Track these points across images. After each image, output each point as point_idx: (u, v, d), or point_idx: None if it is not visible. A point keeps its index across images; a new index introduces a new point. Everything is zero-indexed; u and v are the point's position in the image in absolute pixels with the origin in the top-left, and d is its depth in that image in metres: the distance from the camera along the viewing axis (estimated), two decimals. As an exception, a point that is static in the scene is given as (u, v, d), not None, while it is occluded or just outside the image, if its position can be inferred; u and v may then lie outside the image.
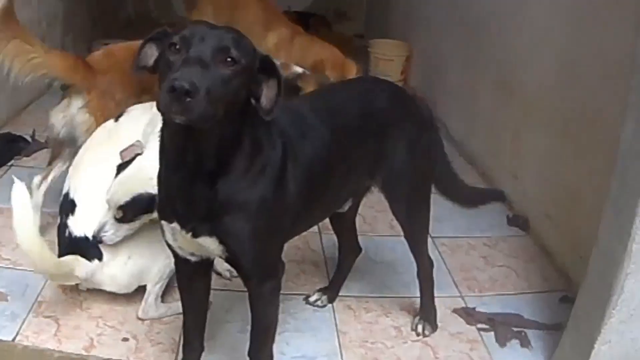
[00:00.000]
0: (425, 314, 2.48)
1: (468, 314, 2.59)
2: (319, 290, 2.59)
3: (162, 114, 1.55)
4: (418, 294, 2.49)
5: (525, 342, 2.47)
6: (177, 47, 1.55)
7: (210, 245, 1.79)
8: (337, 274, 2.61)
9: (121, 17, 6.32)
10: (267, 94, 1.66)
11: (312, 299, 2.57)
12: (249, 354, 1.98)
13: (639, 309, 2.08)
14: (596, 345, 2.11)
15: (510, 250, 3.08)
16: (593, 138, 2.56)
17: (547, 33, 3.16)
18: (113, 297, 2.44)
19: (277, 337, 2.11)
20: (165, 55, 1.57)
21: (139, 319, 2.40)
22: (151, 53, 1.68)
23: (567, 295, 2.62)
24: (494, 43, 3.70)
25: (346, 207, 2.31)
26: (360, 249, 2.60)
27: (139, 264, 2.37)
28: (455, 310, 2.60)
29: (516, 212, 3.37)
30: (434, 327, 2.47)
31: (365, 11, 6.82)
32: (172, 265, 2.04)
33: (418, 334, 2.46)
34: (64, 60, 2.57)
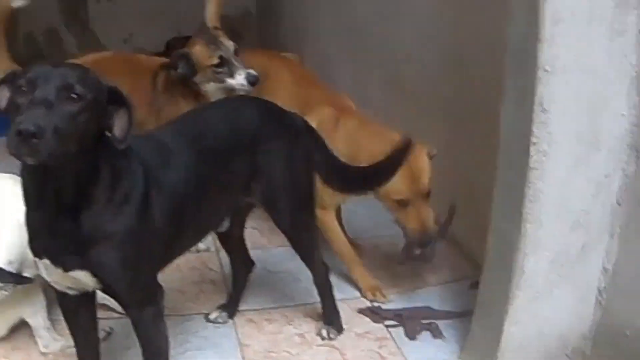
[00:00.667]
0: (329, 318, 2.51)
1: (374, 313, 2.61)
2: (218, 308, 2.60)
3: (14, 156, 1.55)
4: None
5: (436, 333, 2.50)
6: (24, 89, 1.58)
7: (82, 278, 1.80)
8: (234, 290, 2.63)
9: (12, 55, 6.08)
10: (119, 123, 1.70)
11: (212, 316, 2.58)
12: None
13: (546, 286, 2.13)
14: (505, 326, 2.16)
15: None
16: (484, 126, 2.59)
17: (431, 25, 3.23)
18: (14, 336, 2.40)
19: (179, 357, 2.22)
20: (14, 98, 1.59)
21: (43, 353, 2.36)
22: (4, 95, 1.66)
23: (477, 281, 2.61)
24: (381, 42, 3.74)
25: (225, 227, 2.32)
26: (252, 263, 2.63)
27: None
28: (360, 311, 2.62)
29: None
30: (339, 330, 2.49)
31: (257, 28, 6.82)
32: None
33: (323, 338, 2.47)
34: None
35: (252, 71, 2.80)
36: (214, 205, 2.14)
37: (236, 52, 2.88)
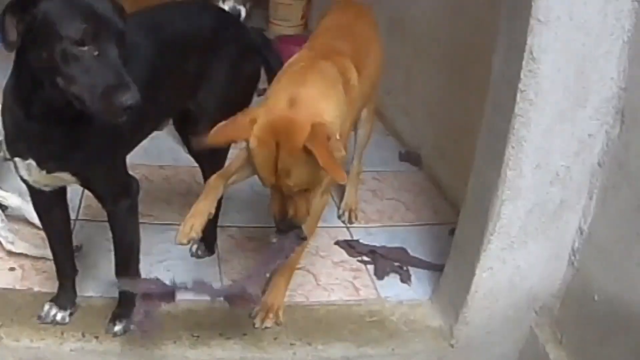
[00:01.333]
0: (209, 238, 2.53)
1: (350, 246, 2.68)
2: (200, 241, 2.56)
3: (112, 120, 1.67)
4: None
5: (405, 278, 2.56)
6: (83, 42, 1.61)
7: (64, 177, 1.89)
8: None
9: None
10: None
11: (193, 248, 2.58)
12: (116, 275, 2.09)
13: (521, 236, 2.17)
14: (477, 271, 2.21)
15: (400, 184, 3.19)
16: (479, 72, 2.61)
17: None
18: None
19: (158, 265, 2.30)
20: (66, 49, 1.61)
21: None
22: (11, 27, 1.64)
23: (456, 228, 2.70)
24: None
25: (163, 128, 2.40)
26: None
27: None
28: (337, 242, 2.69)
29: (409, 148, 3.46)
30: (211, 251, 2.56)
31: None
32: None
33: (192, 255, 2.54)
34: None
35: (238, 6, 2.85)
36: (167, 98, 2.18)
37: None
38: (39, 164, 1.86)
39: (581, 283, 2.25)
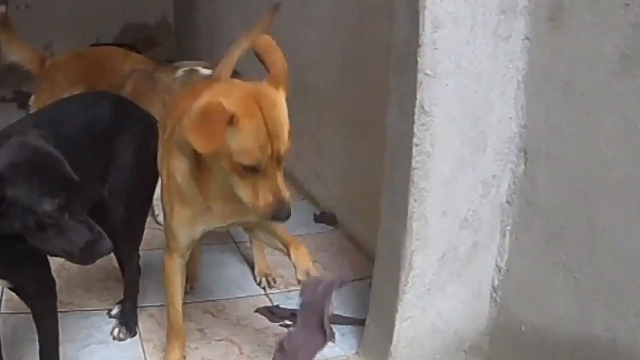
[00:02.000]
0: (124, 319, 2.54)
1: (271, 312, 2.66)
2: (117, 304, 2.62)
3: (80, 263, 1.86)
4: (222, 297, 2.65)
5: (329, 336, 2.53)
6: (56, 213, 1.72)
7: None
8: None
9: None
10: None
11: (113, 312, 2.61)
12: None
13: (436, 282, 2.19)
14: (396, 322, 2.21)
15: (317, 245, 3.18)
16: (381, 131, 2.69)
17: (331, 32, 3.32)
18: None
19: (82, 350, 2.30)
20: (41, 221, 1.71)
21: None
22: None
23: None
24: (288, 50, 3.78)
25: None
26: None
27: None
28: (258, 310, 2.67)
29: (323, 209, 3.50)
30: (132, 332, 2.52)
31: (174, 36, 6.90)
32: None
33: (114, 338, 2.49)
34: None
35: None
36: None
37: None
38: None
39: (507, 317, 2.27)
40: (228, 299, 2.76)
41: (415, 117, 1.96)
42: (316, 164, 3.62)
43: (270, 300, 2.77)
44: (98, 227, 1.78)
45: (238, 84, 1.97)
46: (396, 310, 2.19)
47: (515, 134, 2.14)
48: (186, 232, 2.11)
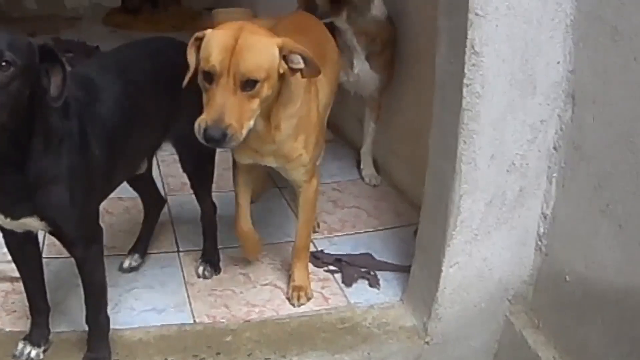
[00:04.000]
0: (207, 257, 2.60)
1: (316, 258, 2.67)
2: (128, 253, 2.63)
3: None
4: (267, 241, 2.63)
5: (373, 282, 2.57)
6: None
7: (32, 223, 1.86)
8: (145, 229, 2.69)
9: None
10: (54, 81, 1.71)
11: (125, 264, 2.61)
12: (87, 321, 2.09)
13: (483, 228, 2.18)
14: (443, 268, 2.21)
15: (360, 192, 3.20)
16: (426, 74, 2.65)
17: None
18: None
19: (126, 294, 2.31)
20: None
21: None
22: None
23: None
24: None
25: (144, 168, 2.38)
26: (164, 200, 2.72)
27: None
28: None
29: None
30: (217, 270, 2.59)
31: None
32: None
33: (199, 276, 2.56)
34: None
35: None
36: (140, 140, 2.19)
37: None
38: (1, 212, 1.85)
39: (551, 267, 2.26)
40: (273, 243, 2.78)
41: (466, 57, 1.94)
42: (358, 108, 3.56)
43: (315, 245, 2.77)
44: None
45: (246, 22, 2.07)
46: (443, 256, 2.19)
47: (562, 79, 2.11)
48: (238, 157, 2.36)
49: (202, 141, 1.92)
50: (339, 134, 3.78)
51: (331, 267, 2.65)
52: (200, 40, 1.99)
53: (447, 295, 2.26)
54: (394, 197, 3.20)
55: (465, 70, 1.96)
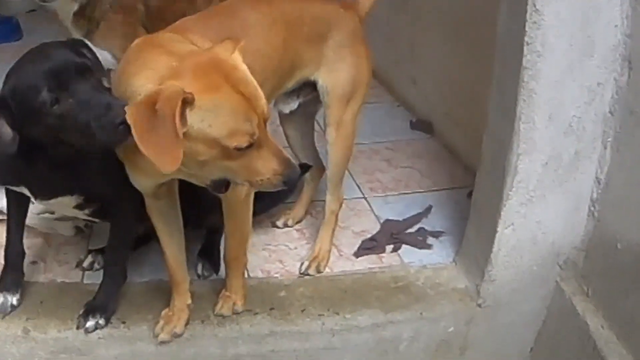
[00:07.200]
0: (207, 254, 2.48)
1: (372, 249, 2.60)
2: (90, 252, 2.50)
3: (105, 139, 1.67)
4: (321, 198, 2.59)
5: (423, 244, 2.60)
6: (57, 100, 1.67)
7: (68, 200, 1.97)
8: None
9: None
10: None
11: (85, 264, 2.44)
12: (105, 263, 2.22)
13: (539, 190, 2.18)
14: (499, 228, 2.21)
15: (414, 152, 3.20)
16: (484, 34, 2.60)
17: None
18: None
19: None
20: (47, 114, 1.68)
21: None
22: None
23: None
24: None
25: None
26: None
27: None
28: (358, 255, 2.58)
29: (419, 116, 3.48)
30: (217, 269, 2.43)
31: None
32: None
33: (199, 276, 2.40)
34: None
35: None
36: None
37: None
38: (33, 195, 1.96)
39: (603, 233, 2.25)
40: (322, 200, 2.66)
41: (527, 15, 1.93)
42: (413, 69, 3.58)
43: (369, 203, 2.79)
44: (108, 98, 1.67)
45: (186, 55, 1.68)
46: (499, 216, 2.19)
47: (620, 42, 2.09)
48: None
49: (284, 186, 1.73)
50: (393, 93, 3.79)
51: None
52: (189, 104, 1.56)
53: (501, 258, 2.26)
54: (447, 159, 3.20)
55: (527, 28, 1.95)
